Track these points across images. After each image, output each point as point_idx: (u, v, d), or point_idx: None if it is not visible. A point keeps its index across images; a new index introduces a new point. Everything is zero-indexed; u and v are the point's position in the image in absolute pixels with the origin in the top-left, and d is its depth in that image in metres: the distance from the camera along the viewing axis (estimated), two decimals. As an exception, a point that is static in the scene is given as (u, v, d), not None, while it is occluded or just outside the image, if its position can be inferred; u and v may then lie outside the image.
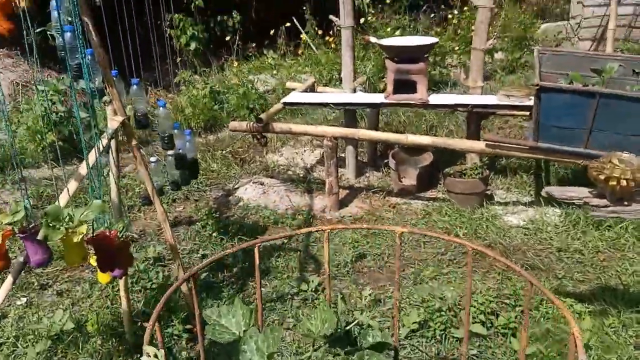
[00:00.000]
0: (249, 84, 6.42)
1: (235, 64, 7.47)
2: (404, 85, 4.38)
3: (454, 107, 4.35)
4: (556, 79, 3.94)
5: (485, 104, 4.25)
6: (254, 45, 8.15)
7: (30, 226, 2.03)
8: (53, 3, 2.38)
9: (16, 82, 7.30)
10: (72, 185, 2.52)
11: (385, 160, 5.06)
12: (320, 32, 8.06)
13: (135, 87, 2.97)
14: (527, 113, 4.35)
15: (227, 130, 5.86)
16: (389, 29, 7.03)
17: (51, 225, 1.94)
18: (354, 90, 4.88)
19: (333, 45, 7.50)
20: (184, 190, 4.52)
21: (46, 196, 4.46)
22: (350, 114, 4.80)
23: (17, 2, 2.55)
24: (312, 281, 3.31)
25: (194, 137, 3.47)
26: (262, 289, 2.92)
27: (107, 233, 2.08)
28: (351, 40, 4.69)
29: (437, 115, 5.66)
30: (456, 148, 4.04)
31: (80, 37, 2.37)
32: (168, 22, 7.54)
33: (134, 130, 3.16)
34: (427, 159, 4.69)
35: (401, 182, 4.64)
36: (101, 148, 2.60)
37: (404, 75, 4.33)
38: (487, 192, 4.29)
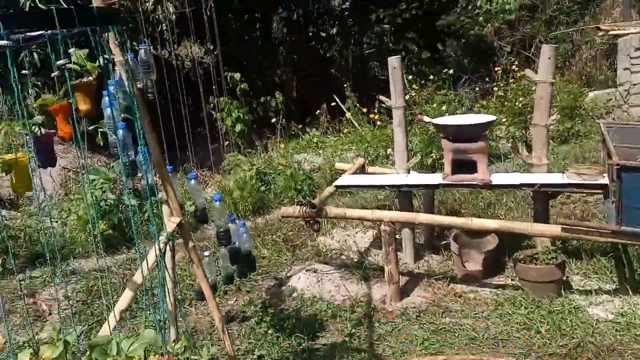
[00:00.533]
0: (296, 164, 6.35)
1: (282, 145, 7.46)
2: (463, 165, 4.17)
3: (519, 187, 4.10)
4: (631, 155, 3.66)
5: (554, 183, 3.98)
6: (300, 127, 8.19)
7: None
8: (105, 100, 2.33)
9: (67, 169, 7.46)
10: (125, 298, 2.33)
11: (444, 242, 4.77)
12: (363, 109, 8.06)
13: (193, 181, 2.87)
14: (600, 191, 4.06)
15: (276, 212, 5.73)
16: (434, 105, 6.94)
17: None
18: (408, 171, 4.69)
19: (379, 123, 7.43)
20: (236, 281, 4.31)
21: (96, 291, 4.32)
22: (405, 195, 4.58)
23: (79, 107, 2.53)
24: (383, 390, 2.98)
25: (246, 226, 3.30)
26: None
27: (163, 361, 1.82)
28: (403, 120, 4.57)
29: (493, 192, 5.39)
30: (528, 233, 3.74)
31: (138, 134, 2.29)
32: (213, 105, 7.70)
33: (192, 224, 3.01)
34: (492, 242, 4.37)
35: (465, 267, 4.32)
36: (158, 253, 2.44)
37: (463, 155, 4.13)
38: (564, 278, 3.91)
